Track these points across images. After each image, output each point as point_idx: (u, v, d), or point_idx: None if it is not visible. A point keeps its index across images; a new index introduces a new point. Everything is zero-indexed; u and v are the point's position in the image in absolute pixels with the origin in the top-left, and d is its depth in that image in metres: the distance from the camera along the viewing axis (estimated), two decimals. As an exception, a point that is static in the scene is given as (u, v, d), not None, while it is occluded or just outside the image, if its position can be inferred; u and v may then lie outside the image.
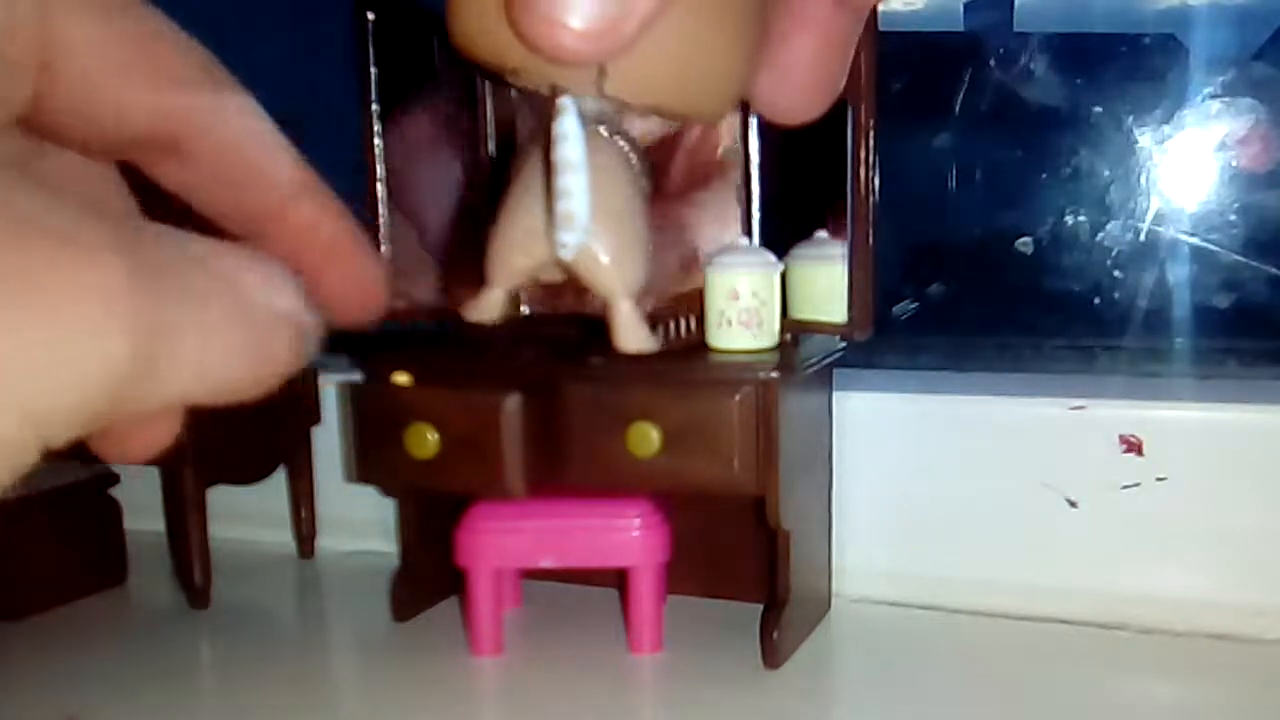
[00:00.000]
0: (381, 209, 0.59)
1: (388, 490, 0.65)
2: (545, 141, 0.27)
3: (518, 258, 0.32)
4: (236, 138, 0.20)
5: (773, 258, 0.54)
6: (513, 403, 0.51)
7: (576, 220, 0.26)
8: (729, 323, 0.53)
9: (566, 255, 0.27)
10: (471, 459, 0.52)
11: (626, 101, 0.25)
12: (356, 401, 0.56)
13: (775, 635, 0.54)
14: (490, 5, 0.21)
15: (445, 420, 0.53)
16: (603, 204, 0.27)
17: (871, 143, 0.50)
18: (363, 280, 0.22)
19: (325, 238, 0.21)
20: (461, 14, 0.23)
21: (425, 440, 0.52)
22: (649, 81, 0.24)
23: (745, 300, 0.53)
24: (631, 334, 0.33)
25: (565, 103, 0.23)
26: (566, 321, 0.61)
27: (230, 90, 0.20)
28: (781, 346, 0.54)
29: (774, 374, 0.52)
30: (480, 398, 0.52)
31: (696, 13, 0.22)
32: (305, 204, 0.21)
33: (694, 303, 0.57)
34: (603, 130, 0.28)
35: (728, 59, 0.24)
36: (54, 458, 0.15)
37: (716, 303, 0.54)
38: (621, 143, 0.29)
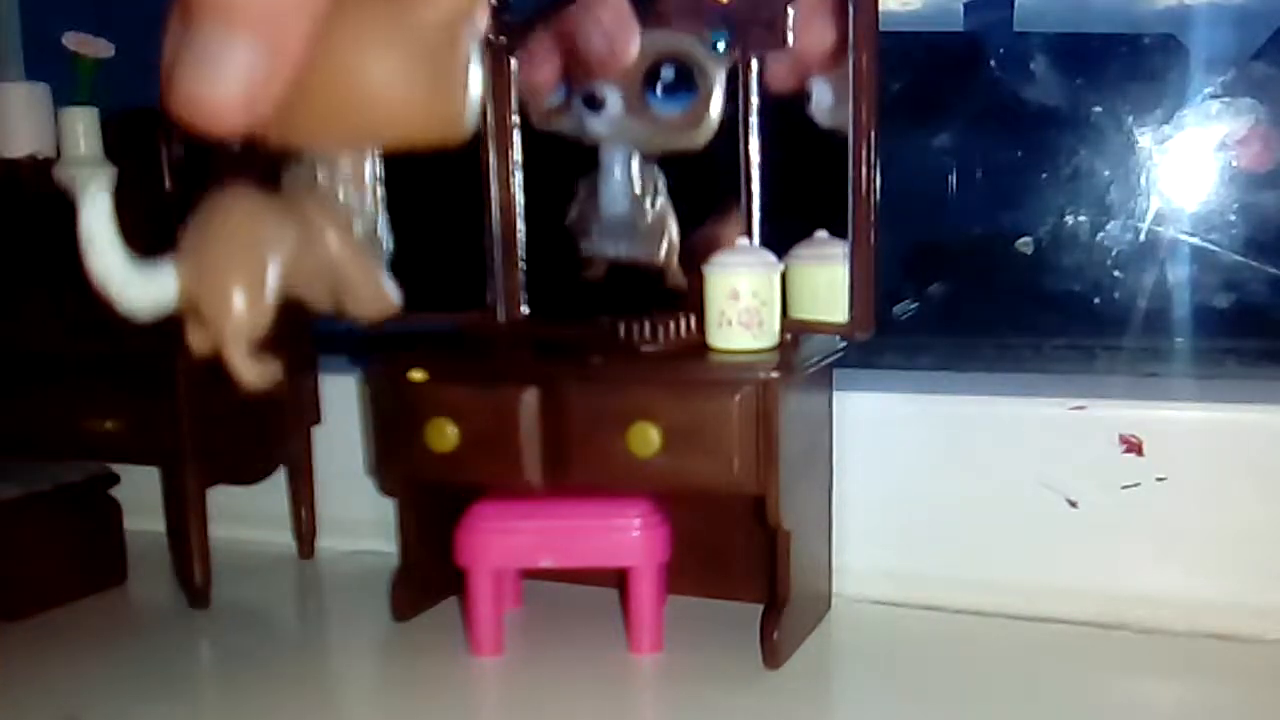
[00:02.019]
0: (380, 208, 0.59)
1: (398, 487, 0.65)
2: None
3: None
4: None
5: (773, 258, 0.54)
6: (530, 396, 0.52)
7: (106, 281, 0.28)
8: (729, 323, 0.53)
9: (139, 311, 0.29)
10: (491, 452, 0.53)
11: (298, 146, 0.27)
12: (375, 396, 0.56)
13: (776, 635, 0.54)
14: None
15: (465, 414, 0.53)
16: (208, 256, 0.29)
17: (872, 142, 0.50)
18: None
19: None
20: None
21: (445, 434, 0.53)
22: (314, 126, 0.25)
23: (745, 300, 0.53)
24: (245, 372, 0.35)
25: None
26: (567, 323, 0.61)
27: None
28: (781, 346, 0.54)
29: (774, 374, 0.52)
30: (501, 392, 0.52)
31: (348, 55, 0.23)
32: None
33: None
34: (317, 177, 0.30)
35: (401, 88, 0.26)
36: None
37: (717, 303, 0.54)
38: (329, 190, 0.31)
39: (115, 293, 0.30)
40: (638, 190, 0.62)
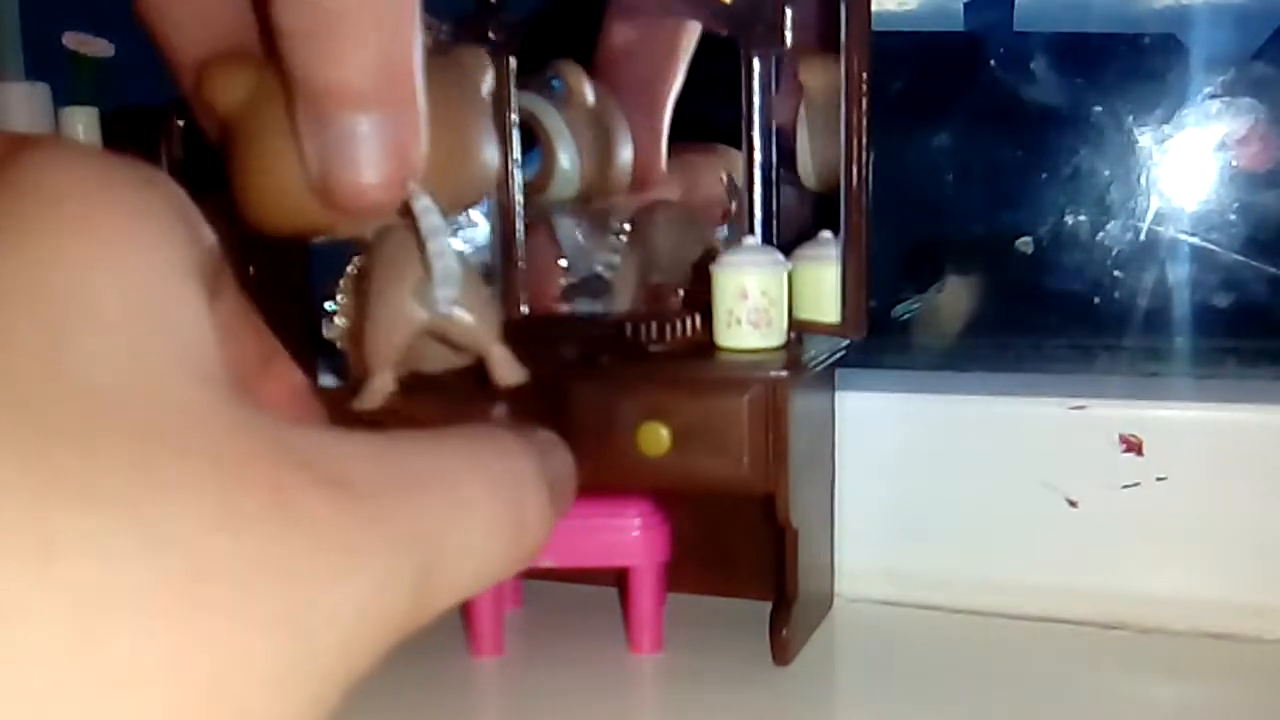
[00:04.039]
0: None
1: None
2: (372, 250, 0.33)
3: (395, 336, 0.37)
4: None
5: (781, 256, 0.54)
6: (537, 396, 0.52)
7: (454, 274, 0.31)
8: (738, 322, 0.53)
9: (447, 310, 0.32)
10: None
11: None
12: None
13: (785, 632, 0.54)
14: (290, 188, 0.25)
15: (466, 417, 0.53)
16: None
17: (864, 140, 0.50)
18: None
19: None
20: (265, 200, 0.26)
21: None
22: (439, 197, 0.29)
23: (754, 299, 0.53)
24: (508, 370, 0.40)
25: (414, 189, 0.27)
26: (569, 323, 0.61)
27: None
28: (788, 345, 0.55)
29: (784, 372, 0.52)
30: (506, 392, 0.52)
31: (444, 135, 0.26)
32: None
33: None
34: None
35: (475, 158, 0.30)
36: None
37: (725, 302, 0.54)
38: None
39: (450, 289, 0.33)
40: (590, 248, 0.62)
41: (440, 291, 0.31)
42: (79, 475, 0.11)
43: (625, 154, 0.62)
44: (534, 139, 0.58)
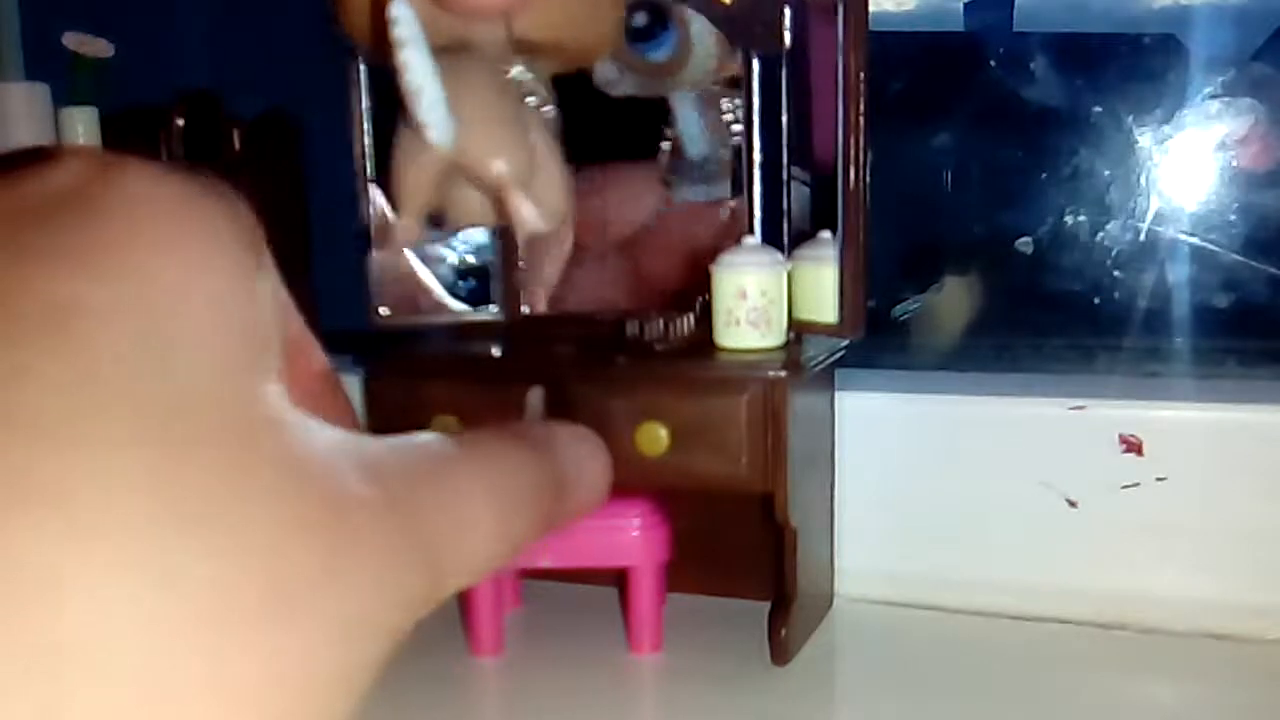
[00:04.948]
0: (372, 209, 0.59)
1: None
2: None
3: (413, 176, 0.34)
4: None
5: (780, 256, 0.54)
6: (537, 396, 0.52)
7: (425, 93, 0.28)
8: (737, 322, 0.53)
9: (437, 138, 0.29)
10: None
11: (531, 40, 0.29)
12: (379, 394, 0.57)
13: (784, 632, 0.54)
14: None
15: (470, 413, 0.53)
16: (480, 110, 0.30)
17: (861, 140, 0.50)
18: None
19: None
20: (365, 6, 0.26)
21: (449, 433, 0.53)
22: (546, 22, 0.28)
23: (753, 299, 0.53)
24: (529, 216, 0.36)
25: None
26: (572, 322, 0.61)
27: None
28: (787, 345, 0.55)
29: (782, 372, 0.52)
30: (507, 391, 0.52)
31: None
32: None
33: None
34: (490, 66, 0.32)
35: (602, 4, 0.29)
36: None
37: (725, 302, 0.54)
38: (514, 75, 0.34)
39: (424, 110, 0.29)
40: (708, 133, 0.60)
41: (422, 117, 0.28)
42: (188, 497, 0.12)
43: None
44: (664, 20, 0.56)
